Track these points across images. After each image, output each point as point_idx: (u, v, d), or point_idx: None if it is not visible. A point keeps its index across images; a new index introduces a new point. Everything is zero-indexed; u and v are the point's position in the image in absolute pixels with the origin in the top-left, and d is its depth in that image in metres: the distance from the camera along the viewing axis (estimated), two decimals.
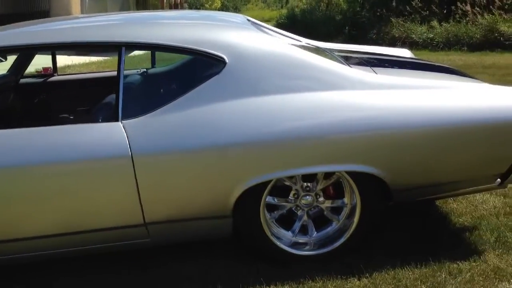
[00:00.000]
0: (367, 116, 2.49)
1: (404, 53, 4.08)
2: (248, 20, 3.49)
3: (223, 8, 30.51)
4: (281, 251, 2.67)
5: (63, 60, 9.31)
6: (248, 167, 2.45)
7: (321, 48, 3.46)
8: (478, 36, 10.81)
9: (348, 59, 3.16)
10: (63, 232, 2.44)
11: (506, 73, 7.74)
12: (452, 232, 2.92)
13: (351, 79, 2.58)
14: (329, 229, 2.75)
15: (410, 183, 2.63)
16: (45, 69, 3.86)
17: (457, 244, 2.78)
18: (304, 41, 3.81)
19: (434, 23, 11.42)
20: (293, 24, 13.95)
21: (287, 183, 2.64)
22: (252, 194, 2.51)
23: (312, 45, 3.64)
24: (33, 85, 3.65)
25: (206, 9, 30.24)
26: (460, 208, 3.18)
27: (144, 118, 2.41)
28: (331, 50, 3.40)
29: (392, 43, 11.48)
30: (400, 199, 2.69)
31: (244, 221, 2.59)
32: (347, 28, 12.74)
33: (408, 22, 11.82)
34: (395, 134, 2.49)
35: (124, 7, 18.08)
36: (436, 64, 3.85)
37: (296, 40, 3.74)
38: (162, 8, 18.46)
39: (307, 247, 2.73)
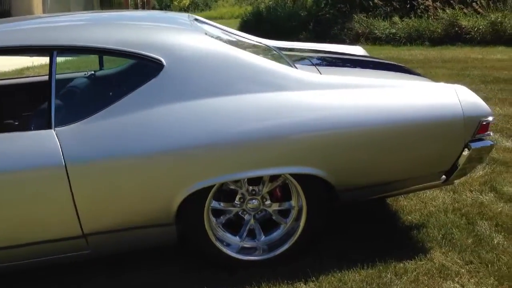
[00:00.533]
0: (308, 117, 2.45)
1: (356, 50, 4.07)
2: (196, 19, 3.43)
3: (193, 5, 30.25)
4: (227, 257, 2.62)
5: (23, 61, 9.03)
6: (189, 173, 2.39)
7: (269, 47, 3.42)
8: (440, 31, 10.95)
9: (295, 58, 3.12)
10: None
11: (464, 67, 7.85)
12: (400, 231, 2.92)
13: (294, 79, 2.53)
14: (277, 232, 2.71)
15: (355, 183, 2.61)
16: None
17: (404, 242, 2.77)
18: (256, 40, 3.76)
19: (396, 18, 11.53)
20: (258, 21, 13.89)
21: (233, 187, 2.59)
22: (195, 200, 2.46)
23: (261, 44, 3.60)
24: None
25: (174, 7, 29.97)
26: (410, 206, 3.18)
27: (78, 125, 2.32)
28: (280, 50, 3.36)
29: (356, 39, 11.57)
30: (347, 199, 2.67)
31: (188, 227, 2.53)
32: (311, 24, 12.75)
33: (371, 18, 11.89)
34: (338, 135, 2.46)
35: (88, 7, 17.80)
36: (384, 61, 3.83)
37: (247, 39, 3.69)
38: (126, 7, 18.17)
39: (256, 252, 2.68)
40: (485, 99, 5.61)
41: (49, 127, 2.31)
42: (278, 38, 3.95)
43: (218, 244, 2.60)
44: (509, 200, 3.19)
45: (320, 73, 2.73)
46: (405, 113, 2.54)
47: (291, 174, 2.52)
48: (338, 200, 2.63)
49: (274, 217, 2.69)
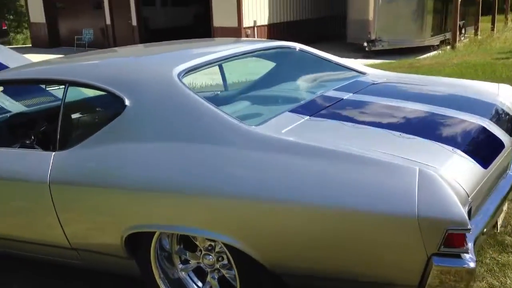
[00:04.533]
0: (228, 179, 2.16)
1: (499, 90, 3.00)
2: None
3: None
4: None
5: None
6: (128, 213, 2.46)
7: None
8: None
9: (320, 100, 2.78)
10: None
11: None
12: None
13: (234, 134, 2.24)
14: None
15: (290, 268, 2.16)
16: None
17: None
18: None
19: None
20: None
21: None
22: (141, 241, 2.48)
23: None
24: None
25: None
26: None
27: (67, 151, 2.64)
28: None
29: None
30: (295, 285, 2.20)
31: (138, 265, 2.56)
32: None
33: None
34: (261, 206, 2.09)
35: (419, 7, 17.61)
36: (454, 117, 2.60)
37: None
38: None
39: None
40: None
41: (53, 149, 2.70)
42: None
43: None
44: None
45: (282, 130, 2.28)
46: (342, 196, 1.95)
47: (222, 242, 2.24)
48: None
49: (230, 280, 2.43)
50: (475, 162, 2.15)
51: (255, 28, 15.20)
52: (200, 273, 2.56)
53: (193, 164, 2.27)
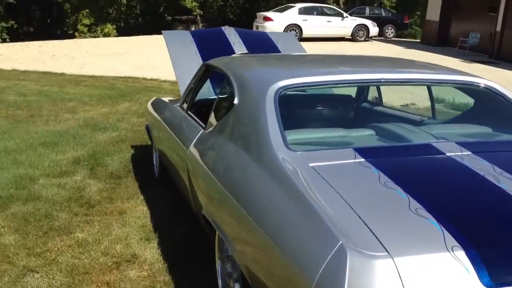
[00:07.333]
0: (247, 195, 2.28)
1: None
2: None
3: None
4: None
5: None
6: (201, 195, 2.86)
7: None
8: None
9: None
10: None
11: None
12: None
13: (264, 153, 2.32)
14: None
15: None
16: (375, 97, 4.44)
17: None
18: None
19: None
20: None
21: None
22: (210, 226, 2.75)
23: None
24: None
25: None
26: None
27: (206, 132, 3.18)
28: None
29: None
30: None
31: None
32: None
33: None
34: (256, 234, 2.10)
35: None
36: None
37: None
38: None
39: None
40: None
41: (204, 128, 3.28)
42: None
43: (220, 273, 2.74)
44: None
45: (310, 164, 2.16)
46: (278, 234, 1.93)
47: None
48: None
49: None
50: (477, 273, 1.56)
51: None
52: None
53: (236, 171, 2.49)
